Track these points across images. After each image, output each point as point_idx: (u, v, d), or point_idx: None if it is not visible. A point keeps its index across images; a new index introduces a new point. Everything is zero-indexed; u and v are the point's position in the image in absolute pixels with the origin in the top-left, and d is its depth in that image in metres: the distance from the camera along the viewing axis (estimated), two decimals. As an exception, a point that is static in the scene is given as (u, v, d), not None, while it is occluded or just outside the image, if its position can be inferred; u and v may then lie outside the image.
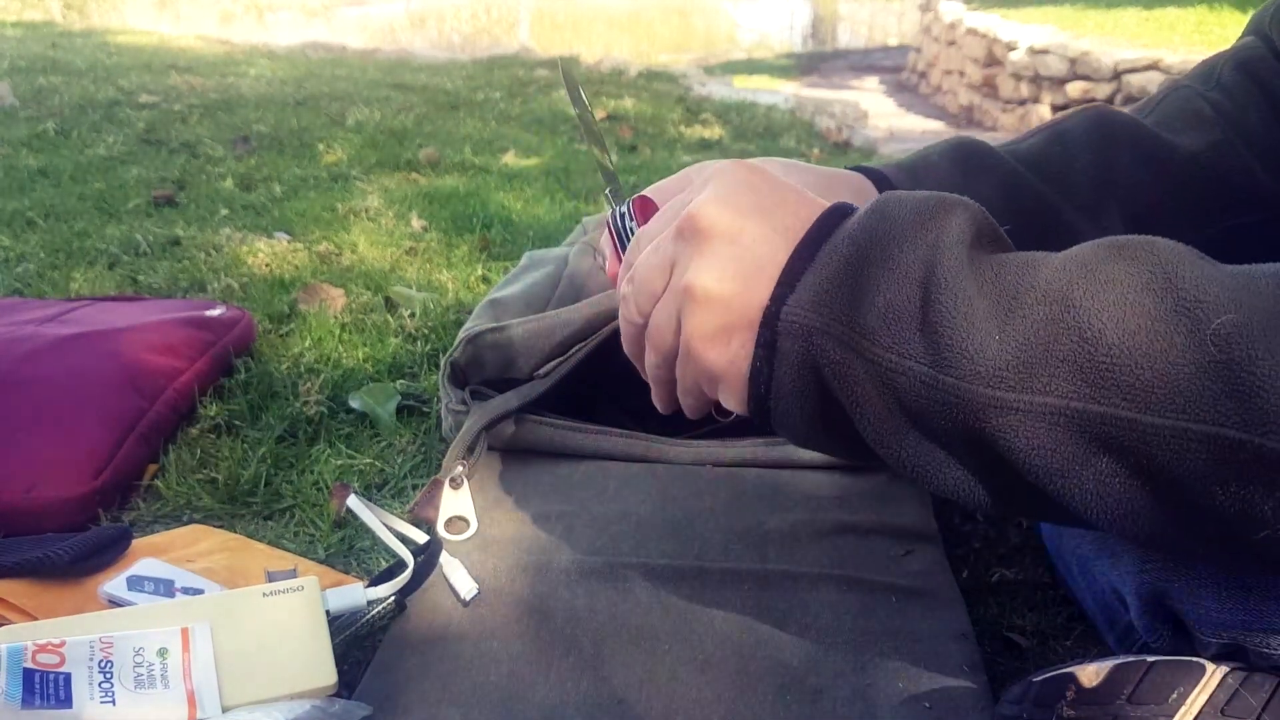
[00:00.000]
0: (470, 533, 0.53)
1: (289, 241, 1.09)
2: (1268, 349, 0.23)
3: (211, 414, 0.66)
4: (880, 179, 0.43)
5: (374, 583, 0.45)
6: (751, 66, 6.71)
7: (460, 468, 0.55)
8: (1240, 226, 0.44)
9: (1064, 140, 0.45)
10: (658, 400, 0.36)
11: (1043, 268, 0.27)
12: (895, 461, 0.30)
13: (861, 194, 0.42)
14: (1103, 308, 0.25)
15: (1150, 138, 0.45)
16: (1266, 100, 0.45)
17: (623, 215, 0.38)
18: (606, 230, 0.39)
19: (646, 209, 0.38)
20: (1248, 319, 0.24)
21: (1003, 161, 0.44)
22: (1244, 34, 0.49)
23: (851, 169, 0.44)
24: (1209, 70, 0.48)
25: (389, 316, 0.85)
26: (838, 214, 0.31)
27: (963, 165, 0.44)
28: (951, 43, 5.26)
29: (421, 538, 0.48)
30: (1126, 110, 0.47)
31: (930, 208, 0.29)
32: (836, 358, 0.29)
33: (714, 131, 2.39)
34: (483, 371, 0.61)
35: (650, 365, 0.35)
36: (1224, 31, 3.95)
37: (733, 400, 0.32)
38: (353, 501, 0.46)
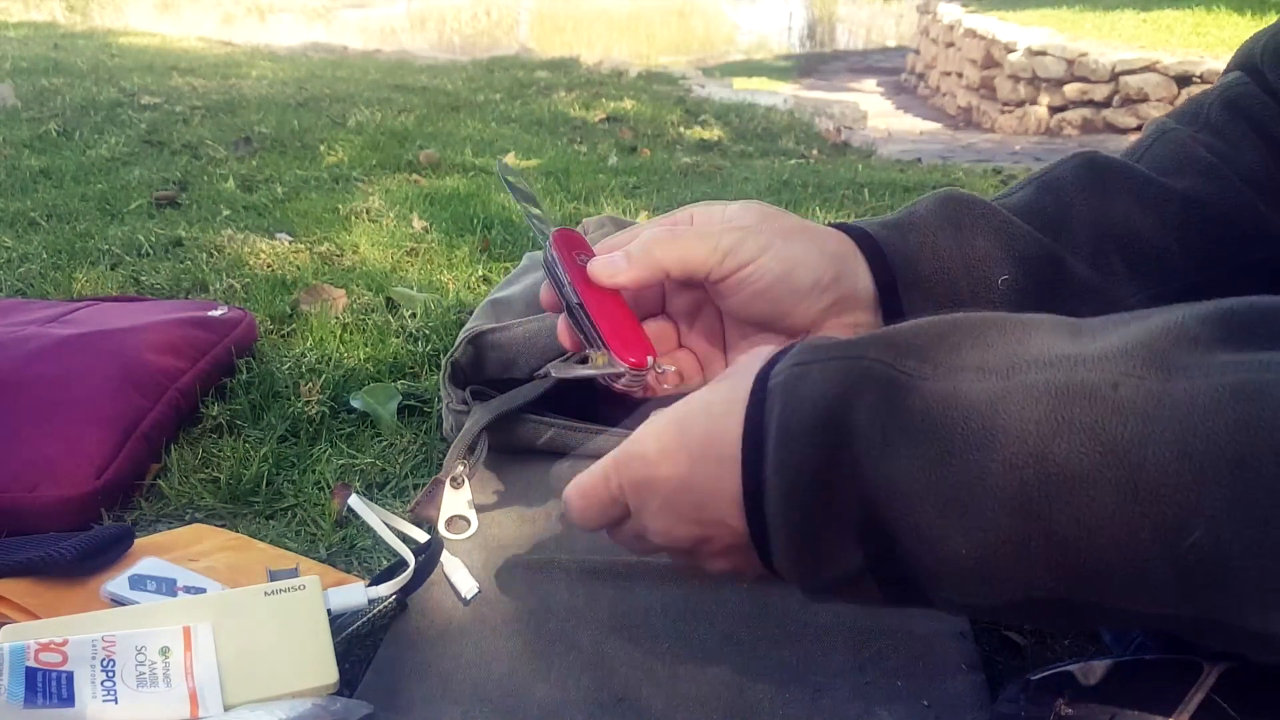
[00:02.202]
0: (471, 532, 0.53)
1: (290, 242, 1.09)
2: (1237, 538, 0.23)
3: (213, 414, 0.66)
4: (863, 236, 0.41)
5: (375, 582, 0.45)
6: (750, 68, 6.71)
7: (461, 467, 0.55)
8: (1250, 264, 0.43)
9: (1056, 189, 0.43)
10: None
11: (991, 460, 0.25)
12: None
13: (845, 262, 0.40)
14: (1061, 511, 0.24)
15: (1145, 181, 0.43)
16: (1260, 137, 0.43)
17: (548, 248, 0.40)
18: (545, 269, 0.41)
19: (571, 242, 0.39)
20: (1212, 521, 0.23)
21: (997, 212, 0.42)
22: (1229, 68, 0.47)
23: (835, 225, 0.42)
24: (1195, 110, 0.46)
25: (390, 317, 0.85)
26: (758, 474, 0.30)
27: (953, 219, 0.42)
28: (950, 44, 5.27)
29: (423, 537, 0.48)
30: (1116, 155, 0.45)
31: (829, 413, 0.28)
32: (834, 596, 0.31)
33: (713, 133, 2.39)
34: (484, 371, 0.61)
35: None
36: (1220, 34, 3.95)
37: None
38: (354, 501, 0.46)
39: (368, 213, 1.24)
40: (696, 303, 0.43)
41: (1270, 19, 0.47)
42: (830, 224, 0.42)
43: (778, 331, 0.41)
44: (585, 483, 0.35)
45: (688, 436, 0.32)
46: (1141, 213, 0.43)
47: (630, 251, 0.39)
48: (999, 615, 0.28)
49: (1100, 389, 0.25)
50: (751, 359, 0.33)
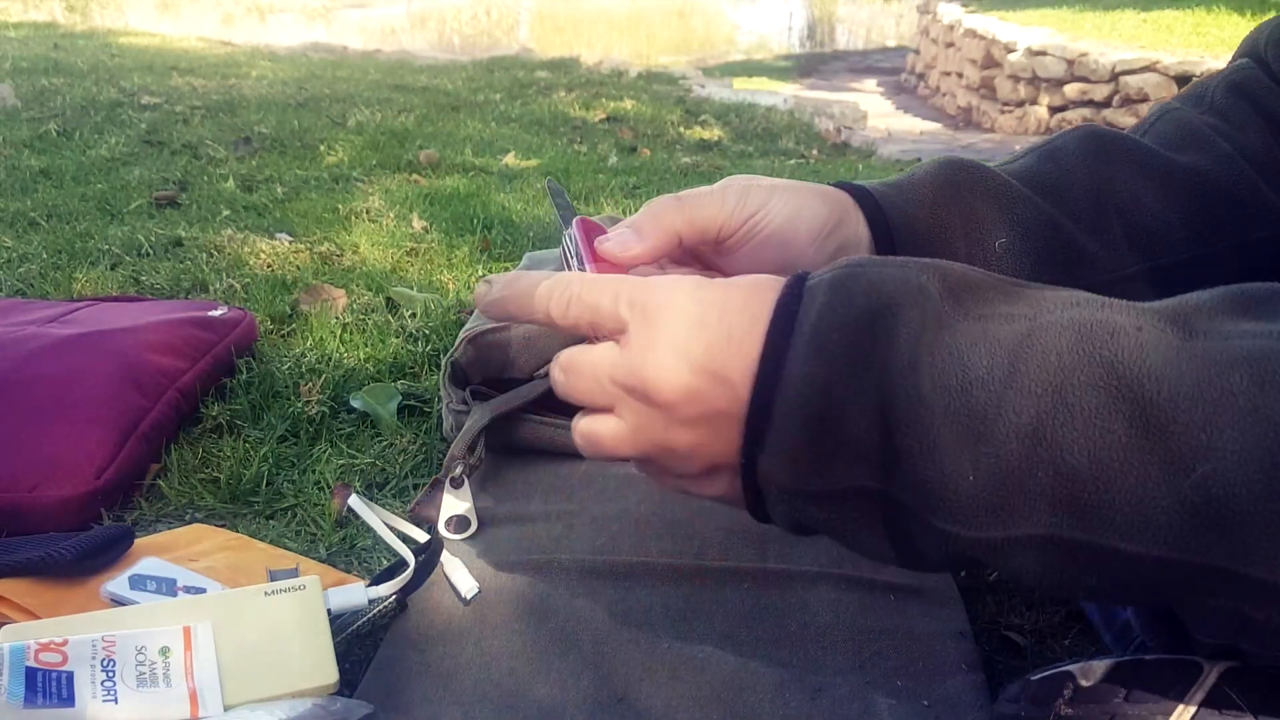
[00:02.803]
0: (471, 532, 0.53)
1: (290, 242, 1.09)
2: (1245, 483, 0.23)
3: (213, 414, 0.66)
4: (864, 195, 0.41)
5: (375, 582, 0.45)
6: (750, 68, 6.71)
7: (461, 467, 0.55)
8: (1250, 243, 0.43)
9: (1057, 157, 0.44)
10: None
11: (1010, 390, 0.26)
12: (901, 564, 0.31)
13: (846, 212, 0.40)
14: (1073, 440, 0.25)
15: (1148, 153, 0.43)
16: (1263, 118, 0.44)
17: (571, 237, 0.39)
18: (561, 255, 0.39)
19: (591, 230, 0.39)
20: (1221, 459, 0.23)
21: (995, 176, 0.42)
22: (1236, 55, 0.48)
23: (838, 185, 0.42)
24: (1199, 93, 0.47)
25: (390, 317, 0.85)
26: (781, 345, 0.28)
27: (953, 181, 0.42)
28: (950, 44, 5.27)
29: (422, 537, 0.48)
30: (1120, 130, 0.46)
31: (872, 317, 0.27)
32: (819, 513, 0.29)
33: (713, 133, 2.39)
34: (483, 371, 0.61)
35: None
36: (1220, 34, 3.95)
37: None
38: (354, 501, 0.46)
39: (368, 213, 1.24)
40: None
41: (1270, 18, 0.47)
42: (836, 183, 0.42)
43: None
44: (590, 287, 0.32)
45: (706, 292, 0.30)
46: (1144, 183, 0.43)
47: (639, 224, 0.37)
48: (987, 558, 0.27)
49: (1124, 327, 0.25)
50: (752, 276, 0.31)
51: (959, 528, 0.27)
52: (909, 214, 0.41)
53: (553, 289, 0.32)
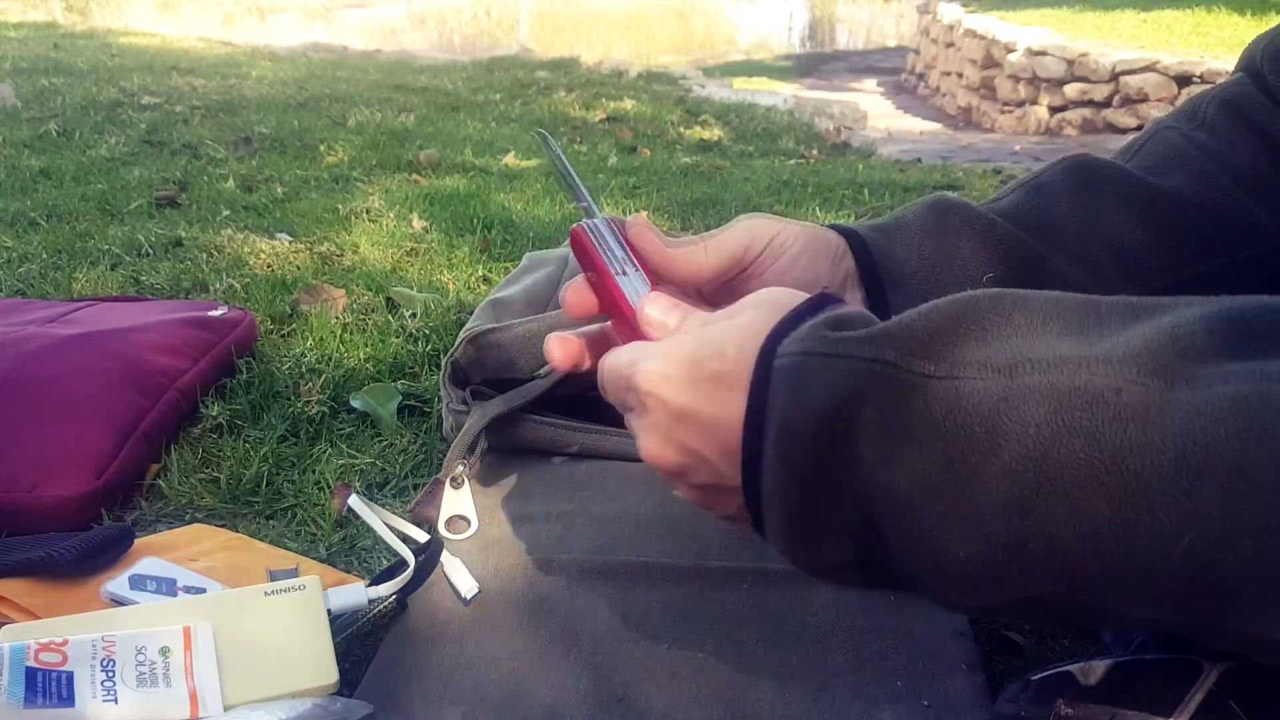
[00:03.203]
0: (471, 532, 0.53)
1: (290, 242, 1.09)
2: (1232, 548, 0.23)
3: (213, 414, 0.66)
4: (854, 237, 0.42)
5: (375, 582, 0.45)
6: (750, 68, 6.71)
7: (461, 467, 0.55)
8: (1240, 260, 0.43)
9: (1042, 191, 0.44)
10: None
11: (990, 464, 0.25)
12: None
13: (836, 256, 0.41)
14: (1058, 515, 0.25)
15: (1131, 180, 0.44)
16: (1254, 135, 0.44)
17: (599, 225, 0.39)
18: (590, 249, 0.38)
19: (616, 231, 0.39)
20: (1204, 528, 0.23)
21: (980, 215, 0.43)
22: (1236, 68, 0.48)
23: (830, 227, 0.43)
24: (1193, 109, 0.47)
25: (390, 317, 0.85)
26: (756, 438, 0.30)
27: (939, 223, 0.43)
28: (950, 44, 5.27)
29: (422, 537, 0.48)
30: (1108, 156, 0.46)
31: (827, 429, 0.27)
32: (814, 574, 0.31)
33: (713, 133, 2.39)
34: (484, 371, 0.61)
35: None
36: (1220, 34, 3.95)
37: None
38: (354, 501, 0.46)
39: (368, 213, 1.24)
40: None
41: (1271, 19, 0.48)
42: (830, 225, 0.43)
43: None
44: (611, 360, 0.35)
45: (699, 372, 0.31)
46: (1126, 212, 0.43)
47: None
48: (993, 614, 0.28)
49: (1103, 394, 0.25)
50: (767, 296, 0.32)
51: (956, 597, 0.28)
52: (895, 256, 0.42)
53: (601, 371, 0.36)
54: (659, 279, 0.38)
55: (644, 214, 0.40)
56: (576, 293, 0.39)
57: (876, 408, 0.27)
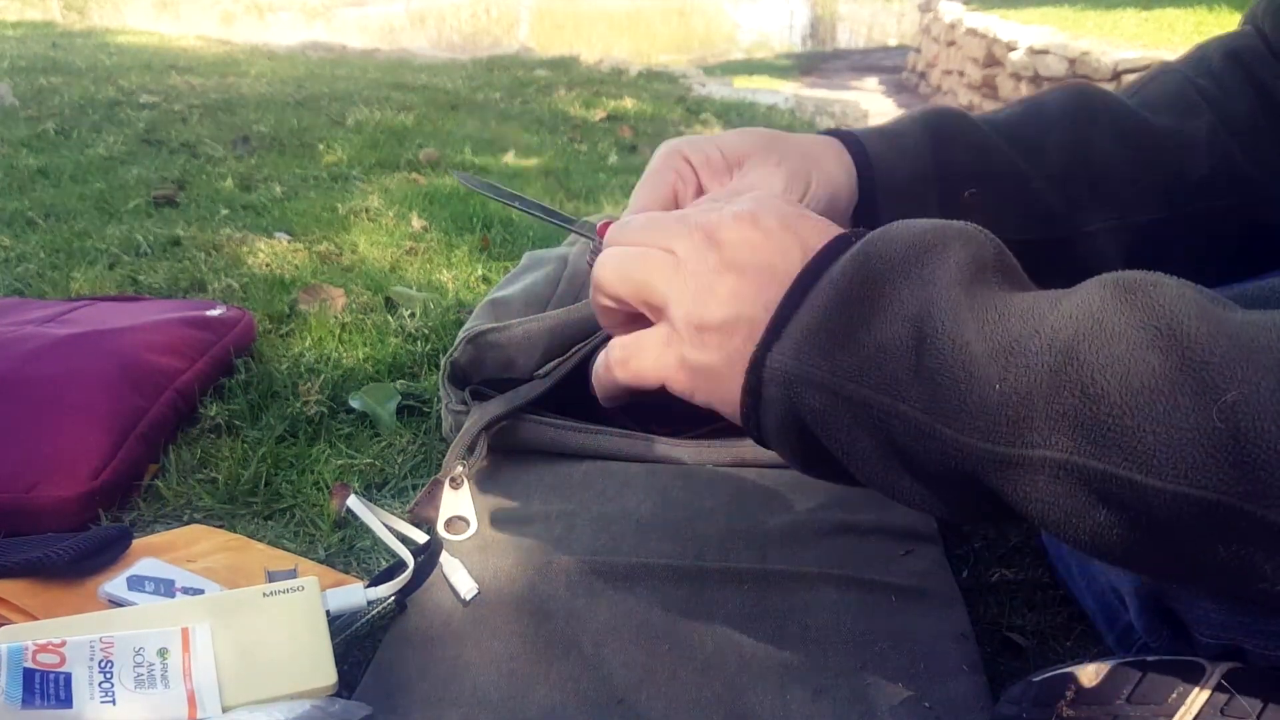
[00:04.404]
0: (470, 533, 0.53)
1: (289, 241, 1.09)
2: (1274, 422, 0.23)
3: (212, 414, 0.66)
4: (855, 143, 0.43)
5: (374, 583, 0.45)
6: (751, 67, 6.71)
7: (460, 468, 0.55)
8: (1214, 209, 0.44)
9: (1041, 113, 0.46)
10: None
11: (1048, 315, 0.26)
12: (889, 494, 0.30)
13: (839, 159, 0.42)
14: (1107, 363, 0.25)
15: (1128, 114, 0.45)
16: (1253, 88, 0.45)
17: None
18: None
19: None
20: (1254, 391, 0.23)
21: (976, 128, 0.44)
22: (1242, 22, 0.49)
23: (828, 132, 0.43)
24: (1201, 55, 0.48)
25: (389, 316, 0.85)
26: (832, 253, 0.30)
27: (934, 132, 0.44)
28: (951, 43, 5.26)
29: (422, 538, 0.48)
30: (1116, 90, 0.48)
31: (926, 241, 0.28)
32: (817, 404, 0.29)
33: (714, 131, 2.38)
34: (483, 371, 0.61)
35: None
36: (1222, 32, 3.94)
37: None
38: (353, 501, 0.46)
39: (367, 212, 1.24)
40: None
41: None
42: (824, 131, 0.44)
43: None
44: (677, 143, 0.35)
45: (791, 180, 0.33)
46: (1115, 142, 0.44)
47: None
48: (995, 476, 0.27)
49: (1166, 281, 0.26)
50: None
51: (974, 437, 0.26)
52: (892, 164, 0.43)
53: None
54: None
55: None
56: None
57: (969, 251, 0.28)
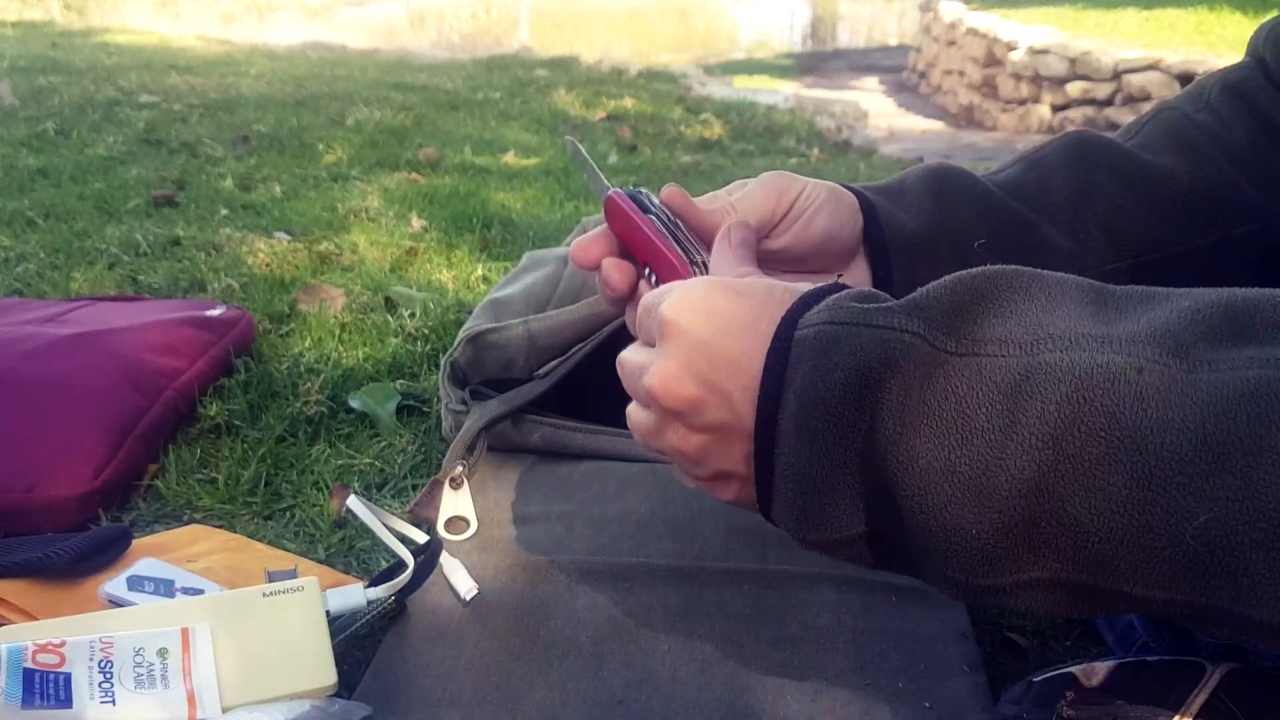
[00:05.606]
0: (470, 533, 0.53)
1: (289, 241, 1.09)
2: (1248, 530, 0.23)
3: (211, 414, 0.66)
4: (862, 198, 0.44)
5: (374, 583, 0.45)
6: (751, 66, 6.71)
7: (460, 468, 0.55)
8: (1232, 238, 0.45)
9: (1040, 166, 0.46)
10: None
11: (1010, 441, 0.25)
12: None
13: (853, 212, 0.42)
14: (1075, 493, 0.25)
15: (1127, 158, 0.45)
16: (1253, 118, 0.46)
17: (633, 191, 0.40)
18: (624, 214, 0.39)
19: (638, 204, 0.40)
20: (1226, 507, 0.23)
21: (977, 183, 0.45)
22: (1245, 55, 0.50)
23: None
24: (1198, 91, 0.48)
25: (389, 316, 0.85)
26: (773, 405, 0.29)
27: (937, 190, 0.44)
28: (951, 43, 5.26)
29: (421, 538, 0.48)
30: (1112, 135, 0.48)
31: (851, 398, 0.27)
32: (822, 548, 0.31)
33: (714, 131, 2.39)
34: (483, 371, 0.61)
35: None
36: (1224, 32, 3.94)
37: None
38: (353, 501, 0.46)
39: (366, 212, 1.24)
40: None
41: (1274, 15, 0.48)
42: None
43: (811, 272, 0.43)
44: (646, 301, 0.35)
45: (721, 304, 0.31)
46: (1119, 186, 0.45)
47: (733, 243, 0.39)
48: (999, 597, 0.28)
49: (1125, 373, 0.25)
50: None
51: (965, 576, 0.27)
52: (897, 219, 0.43)
53: (639, 307, 0.36)
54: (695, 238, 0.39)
55: (674, 185, 0.40)
56: (586, 242, 0.40)
57: (902, 378, 0.27)
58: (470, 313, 0.71)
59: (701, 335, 0.31)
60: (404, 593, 0.46)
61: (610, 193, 0.39)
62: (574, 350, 0.59)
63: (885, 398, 0.27)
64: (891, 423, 0.27)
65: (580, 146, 0.44)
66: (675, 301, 0.32)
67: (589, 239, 0.40)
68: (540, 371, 0.60)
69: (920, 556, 0.29)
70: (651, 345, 0.34)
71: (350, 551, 0.54)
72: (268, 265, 1.00)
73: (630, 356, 0.35)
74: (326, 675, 0.40)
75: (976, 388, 0.26)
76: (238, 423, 0.66)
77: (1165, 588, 0.25)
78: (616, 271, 0.39)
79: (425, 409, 0.69)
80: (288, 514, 0.57)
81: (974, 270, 0.29)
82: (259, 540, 0.53)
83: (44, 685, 0.35)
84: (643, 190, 0.40)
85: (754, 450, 0.30)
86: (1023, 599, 0.27)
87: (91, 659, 0.37)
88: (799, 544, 0.32)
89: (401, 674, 0.43)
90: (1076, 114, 3.98)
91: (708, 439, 0.32)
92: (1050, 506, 0.25)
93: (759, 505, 0.32)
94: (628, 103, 2.65)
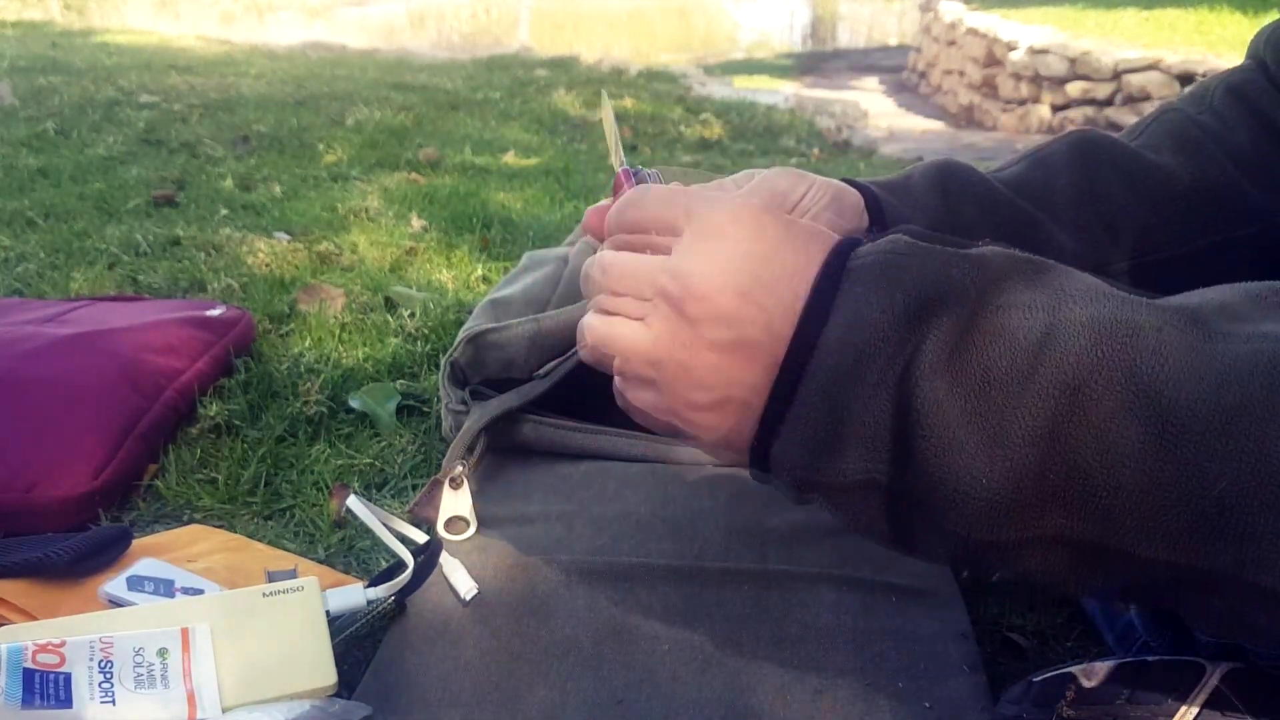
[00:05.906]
0: (470, 533, 0.53)
1: (289, 241, 1.09)
2: (1258, 492, 0.23)
3: (211, 414, 0.66)
4: (868, 193, 0.44)
5: (374, 583, 0.45)
6: (751, 66, 6.71)
7: (460, 468, 0.55)
8: (1234, 239, 0.45)
9: (1045, 164, 0.46)
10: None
11: (1028, 390, 0.25)
12: (894, 547, 0.31)
13: (857, 211, 0.43)
14: (1088, 442, 0.25)
15: (1131, 157, 0.46)
16: (1255, 119, 0.46)
17: (642, 171, 0.40)
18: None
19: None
20: (1237, 468, 0.23)
21: (983, 180, 0.45)
22: (1246, 57, 0.50)
23: (843, 181, 0.44)
24: (1201, 93, 0.49)
25: (389, 316, 0.85)
26: (818, 321, 0.28)
27: (942, 187, 0.44)
28: (951, 43, 5.26)
29: (421, 538, 0.48)
30: (1116, 135, 0.48)
31: (904, 322, 0.27)
32: (823, 488, 0.29)
33: (714, 131, 2.39)
34: (483, 371, 0.61)
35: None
36: (1224, 32, 3.95)
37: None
38: (352, 501, 0.46)
39: (366, 212, 1.24)
40: None
41: (1274, 17, 0.48)
42: (842, 179, 0.45)
43: None
44: (660, 198, 0.32)
45: (768, 222, 0.29)
46: (1123, 186, 0.45)
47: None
48: (995, 558, 0.27)
49: (1144, 327, 0.25)
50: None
51: (968, 530, 0.27)
52: (904, 216, 0.44)
53: (632, 193, 0.33)
54: None
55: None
56: (599, 212, 0.39)
57: (953, 315, 0.27)
58: (470, 313, 0.71)
59: (752, 246, 0.29)
60: (404, 593, 0.46)
61: (621, 169, 0.40)
62: (574, 350, 0.59)
63: (934, 330, 0.27)
64: (931, 356, 0.27)
65: (611, 111, 0.43)
66: (724, 207, 0.30)
67: (598, 207, 0.40)
68: (540, 371, 0.60)
69: (924, 508, 0.28)
70: (652, 249, 0.30)
71: (350, 551, 0.54)
72: (268, 265, 1.00)
73: (623, 257, 0.31)
74: (326, 675, 0.40)
75: (1000, 340, 0.26)
76: (238, 423, 0.66)
77: (1171, 548, 0.24)
78: (595, 216, 0.39)
79: (425, 409, 0.69)
80: (288, 514, 0.57)
81: (998, 249, 0.29)
82: (259, 540, 0.53)
83: (44, 685, 0.35)
84: (653, 171, 0.41)
85: (779, 374, 0.28)
86: (1023, 559, 0.27)
87: (91, 659, 0.37)
88: (796, 494, 0.30)
89: (401, 674, 0.43)
90: (1076, 114, 3.97)
91: (724, 358, 0.29)
92: (1062, 454, 0.25)
93: (752, 442, 0.30)
94: (628, 102, 2.66)
